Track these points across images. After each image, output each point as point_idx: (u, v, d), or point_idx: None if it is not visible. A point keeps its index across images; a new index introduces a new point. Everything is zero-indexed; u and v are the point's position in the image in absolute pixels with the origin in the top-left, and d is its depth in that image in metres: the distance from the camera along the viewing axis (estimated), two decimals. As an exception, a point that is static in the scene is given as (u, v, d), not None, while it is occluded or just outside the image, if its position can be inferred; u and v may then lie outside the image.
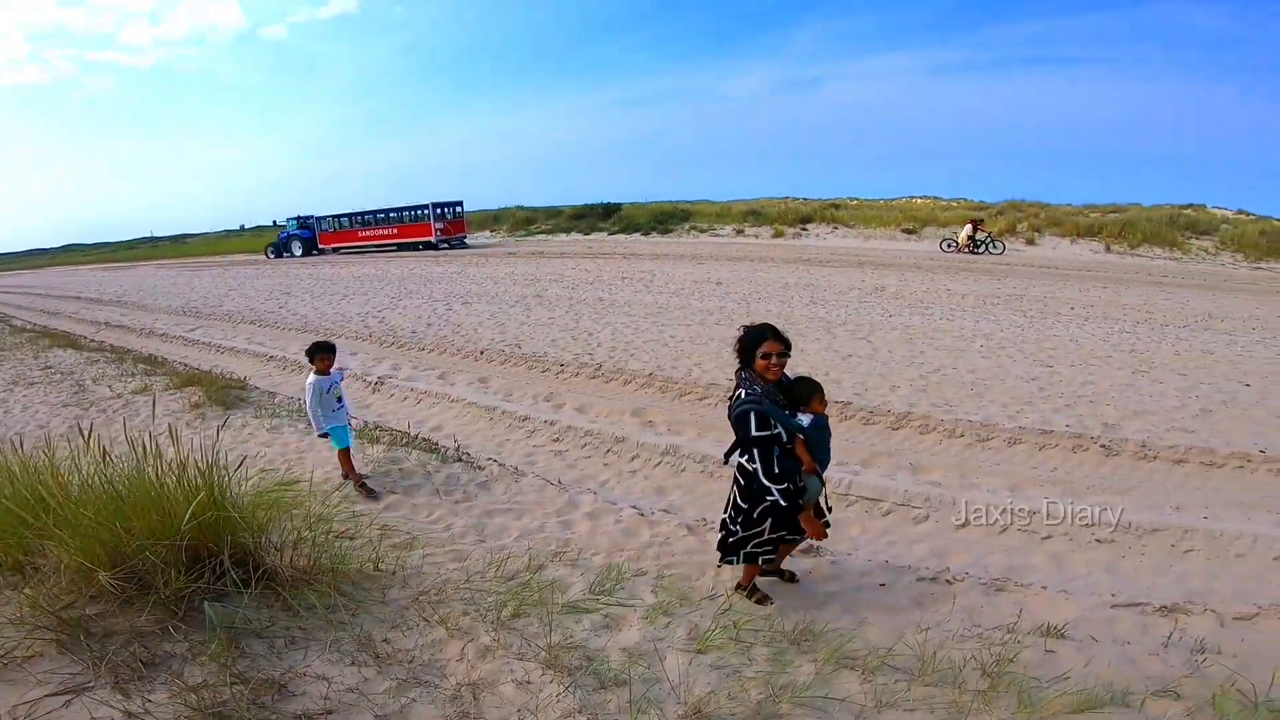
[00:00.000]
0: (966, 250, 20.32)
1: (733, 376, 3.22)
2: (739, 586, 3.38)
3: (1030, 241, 23.19)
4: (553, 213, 37.23)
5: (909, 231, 25.61)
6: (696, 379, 7.77)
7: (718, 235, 28.40)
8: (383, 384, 8.58)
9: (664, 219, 31.53)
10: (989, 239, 20.74)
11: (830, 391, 7.30)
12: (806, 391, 3.18)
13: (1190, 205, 26.03)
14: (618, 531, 4.29)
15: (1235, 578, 3.78)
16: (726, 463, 3.24)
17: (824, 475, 3.24)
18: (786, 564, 3.59)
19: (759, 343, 3.07)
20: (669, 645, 2.89)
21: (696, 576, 3.61)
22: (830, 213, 29.35)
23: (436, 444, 5.90)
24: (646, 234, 30.19)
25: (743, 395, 3.03)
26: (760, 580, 3.43)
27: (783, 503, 3.01)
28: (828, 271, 16.13)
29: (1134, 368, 7.67)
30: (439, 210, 29.73)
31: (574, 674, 2.67)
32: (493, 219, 38.59)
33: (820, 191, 39.63)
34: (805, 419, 3.10)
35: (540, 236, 33.71)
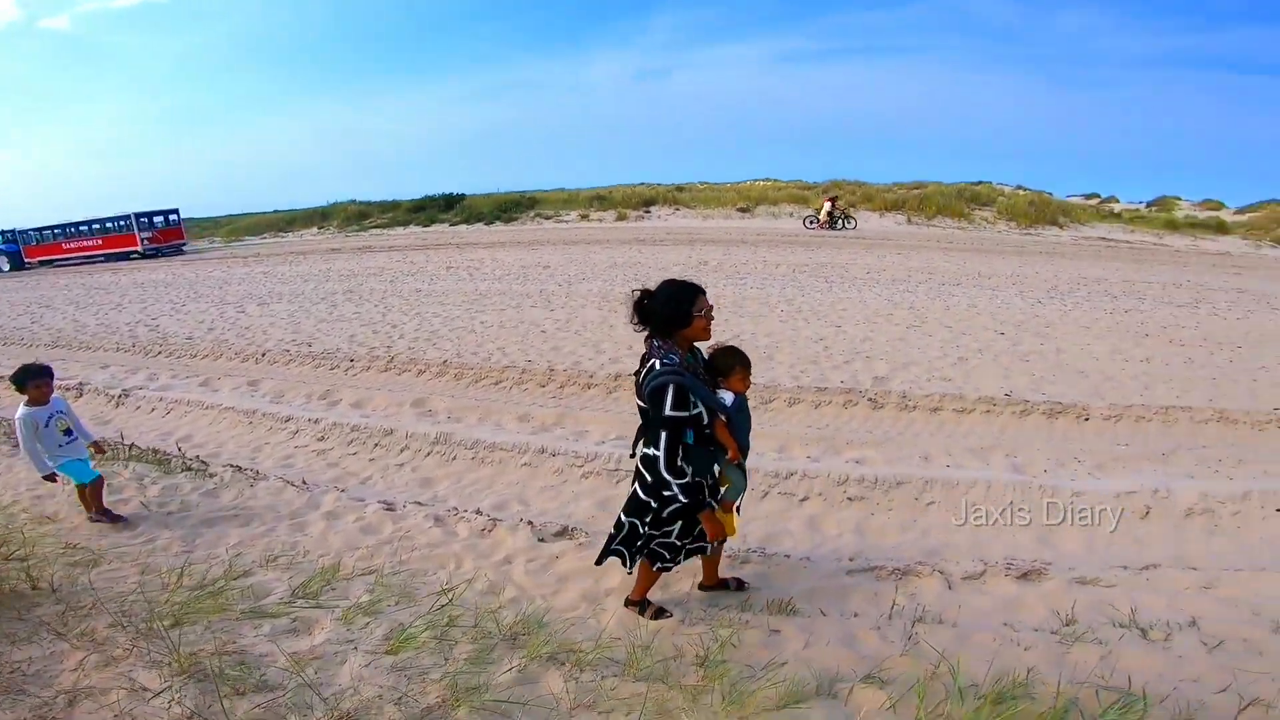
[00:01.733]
0: (825, 226, 21.52)
1: (647, 349, 2.57)
2: (630, 601, 2.91)
3: (846, 216, 25.04)
4: (389, 206, 34.76)
5: (744, 210, 26.79)
6: (495, 363, 7.37)
7: (562, 221, 27.97)
8: (128, 396, 7.30)
9: (508, 208, 30.56)
10: (843, 215, 22.16)
11: (634, 365, 7.25)
12: (730, 362, 2.65)
13: (979, 182, 29.54)
14: (356, 530, 3.93)
15: (970, 530, 3.89)
16: (634, 455, 2.67)
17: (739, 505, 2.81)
18: (726, 569, 3.23)
19: (693, 298, 2.49)
20: (357, 647, 2.59)
21: (433, 570, 3.37)
22: (673, 195, 30.00)
23: (164, 454, 5.14)
24: (490, 224, 29.08)
25: (658, 365, 2.44)
26: (701, 594, 3.07)
27: (682, 499, 2.51)
28: (659, 249, 16.29)
29: (909, 323, 8.30)
30: (144, 219, 27.83)
31: (208, 679, 2.28)
32: (320, 216, 35.30)
33: (672, 177, 40.49)
34: (727, 396, 2.63)
35: (375, 231, 31.32)
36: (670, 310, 2.48)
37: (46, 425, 3.75)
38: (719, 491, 2.74)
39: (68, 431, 3.82)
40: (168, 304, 13.85)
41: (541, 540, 3.76)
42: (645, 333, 2.57)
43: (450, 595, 2.95)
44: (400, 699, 2.27)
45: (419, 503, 4.39)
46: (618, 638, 2.71)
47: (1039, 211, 24.64)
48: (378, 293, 12.62)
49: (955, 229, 22.73)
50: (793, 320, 8.55)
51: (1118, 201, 32.06)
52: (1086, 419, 5.25)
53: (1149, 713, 2.06)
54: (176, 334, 10.33)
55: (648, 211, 28.18)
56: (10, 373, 4.01)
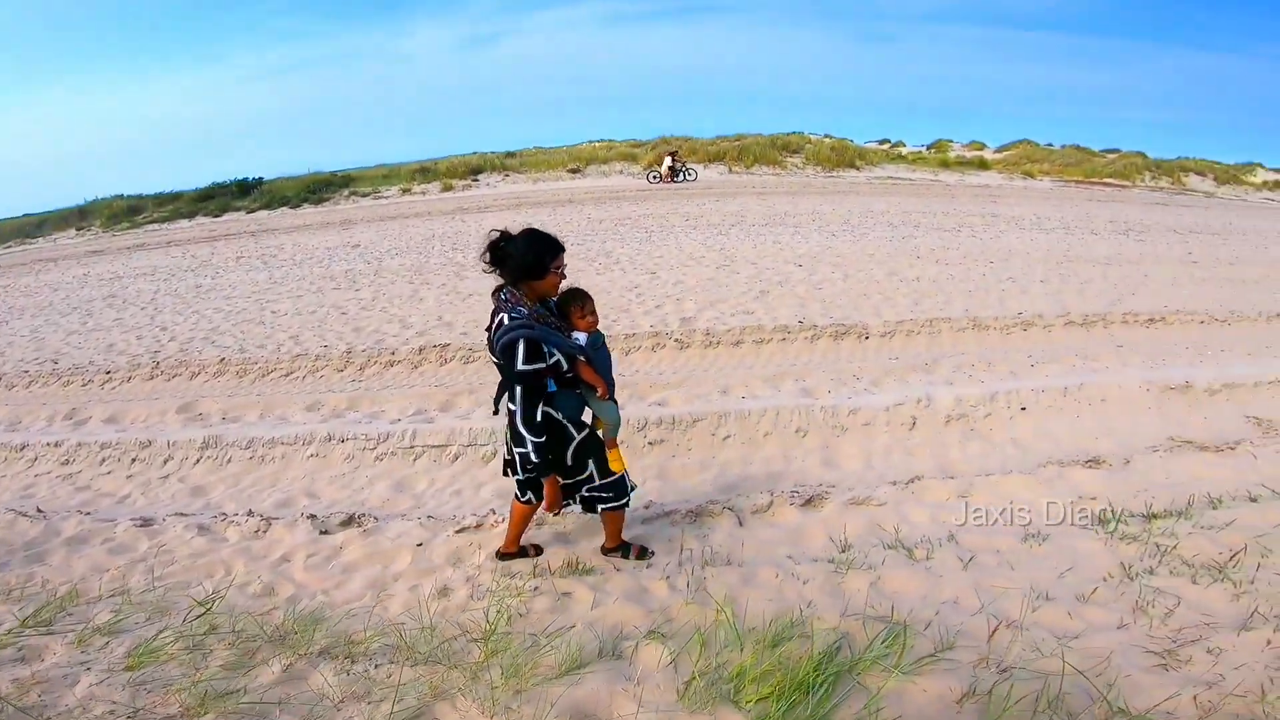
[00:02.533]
0: (669, 180, 21.75)
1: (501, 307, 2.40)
2: (606, 549, 2.96)
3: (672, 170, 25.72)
4: (169, 198, 29.97)
5: (574, 171, 26.49)
6: (285, 353, 6.55)
7: (382, 197, 25.81)
8: None
9: (317, 188, 27.60)
10: (684, 168, 22.61)
11: (444, 334, 6.79)
12: (572, 303, 2.57)
13: (793, 133, 31.45)
14: (104, 552, 3.45)
15: (763, 460, 4.02)
16: (496, 412, 2.58)
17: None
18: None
19: (555, 252, 2.41)
20: (90, 667, 2.36)
21: (197, 582, 3.06)
22: (502, 162, 28.92)
23: None
24: (295, 207, 26.07)
25: (506, 319, 2.34)
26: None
27: (533, 458, 2.44)
28: (484, 216, 15.55)
29: (718, 264, 8.62)
30: None
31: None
32: (79, 215, 29.63)
33: (506, 145, 38.72)
34: (581, 337, 2.58)
35: (150, 227, 26.86)
36: (529, 259, 2.38)
37: None
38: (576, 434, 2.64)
39: None
40: None
41: (324, 533, 3.46)
42: (496, 279, 2.47)
43: (211, 604, 2.68)
44: (135, 713, 2.07)
45: (182, 514, 3.85)
46: (401, 623, 2.55)
47: (839, 156, 27.00)
48: (145, 294, 10.80)
49: (771, 175, 24.19)
50: (609, 271, 8.54)
51: (905, 145, 35.98)
52: (866, 337, 5.76)
53: (911, 643, 2.17)
54: None
55: (475, 180, 26.91)
56: None
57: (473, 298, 7.87)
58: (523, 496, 2.79)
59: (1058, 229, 12.21)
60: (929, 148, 34.97)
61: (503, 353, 2.35)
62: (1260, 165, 31.06)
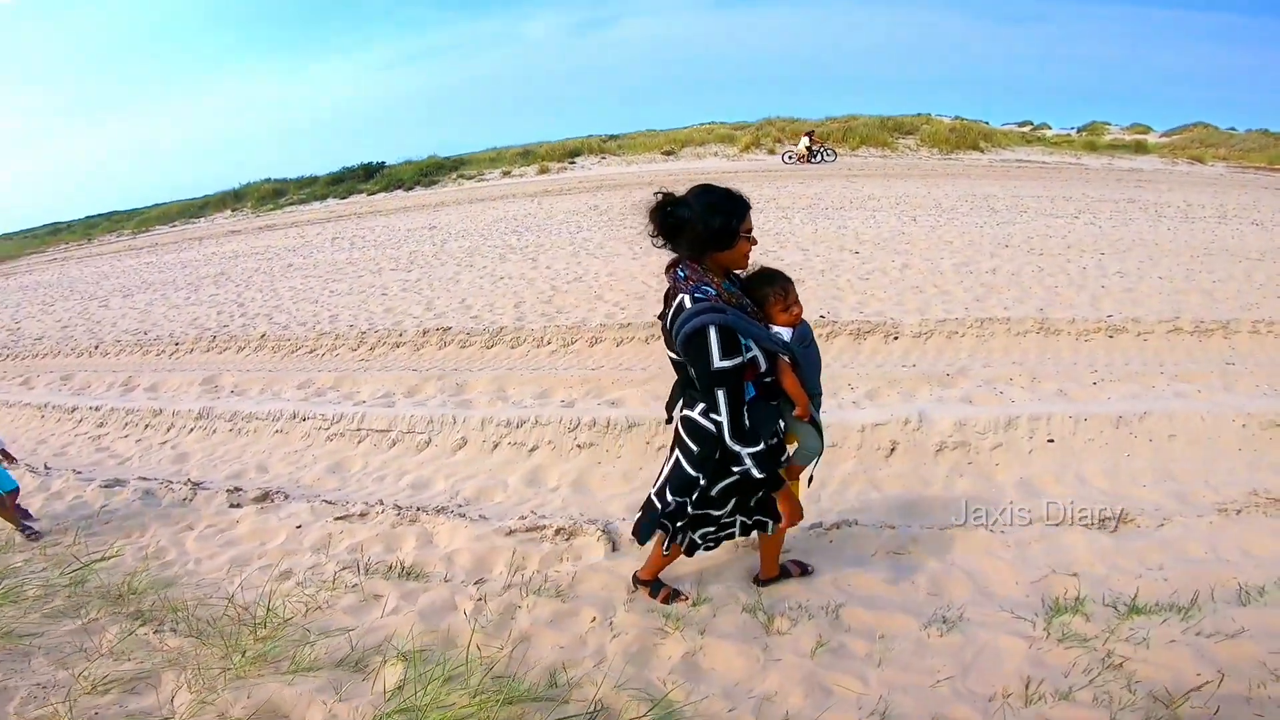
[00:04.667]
0: (804, 160, 21.01)
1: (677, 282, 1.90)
2: (639, 580, 2.44)
3: (771, 151, 24.62)
4: (307, 182, 33.13)
5: (668, 153, 26.18)
6: (318, 330, 6.84)
7: (484, 180, 26.90)
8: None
9: (430, 171, 29.36)
10: (823, 149, 21.60)
11: (456, 318, 6.74)
12: (766, 289, 1.99)
13: (919, 114, 28.93)
14: (64, 507, 3.76)
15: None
16: (670, 420, 2.15)
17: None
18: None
19: (743, 212, 1.85)
20: None
21: (114, 540, 3.22)
22: (601, 145, 29.21)
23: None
24: (409, 189, 27.86)
25: (688, 302, 1.82)
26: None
27: (756, 474, 1.89)
28: (559, 199, 15.61)
29: (764, 249, 7.89)
30: None
31: None
32: (234, 197, 33.52)
33: (615, 128, 38.93)
34: (784, 332, 2.00)
35: (290, 208, 29.82)
36: (714, 224, 1.82)
37: None
38: (780, 454, 2.09)
39: None
40: (39, 305, 12.94)
41: (235, 505, 3.52)
42: (668, 254, 1.95)
43: (94, 561, 2.84)
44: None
45: (145, 479, 4.07)
46: (222, 597, 2.52)
47: (960, 137, 24.46)
48: (247, 272, 11.86)
49: (878, 158, 22.39)
50: (643, 257, 8.09)
51: (1049, 129, 32.11)
52: (896, 337, 4.94)
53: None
54: (28, 334, 9.66)
55: (572, 163, 27.33)
56: None
57: (504, 280, 7.78)
58: (746, 534, 2.27)
59: (1209, 218, 10.13)
60: (1080, 130, 30.99)
61: (687, 345, 1.80)
62: None
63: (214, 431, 4.75)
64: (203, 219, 31.45)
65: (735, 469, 1.91)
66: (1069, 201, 11.48)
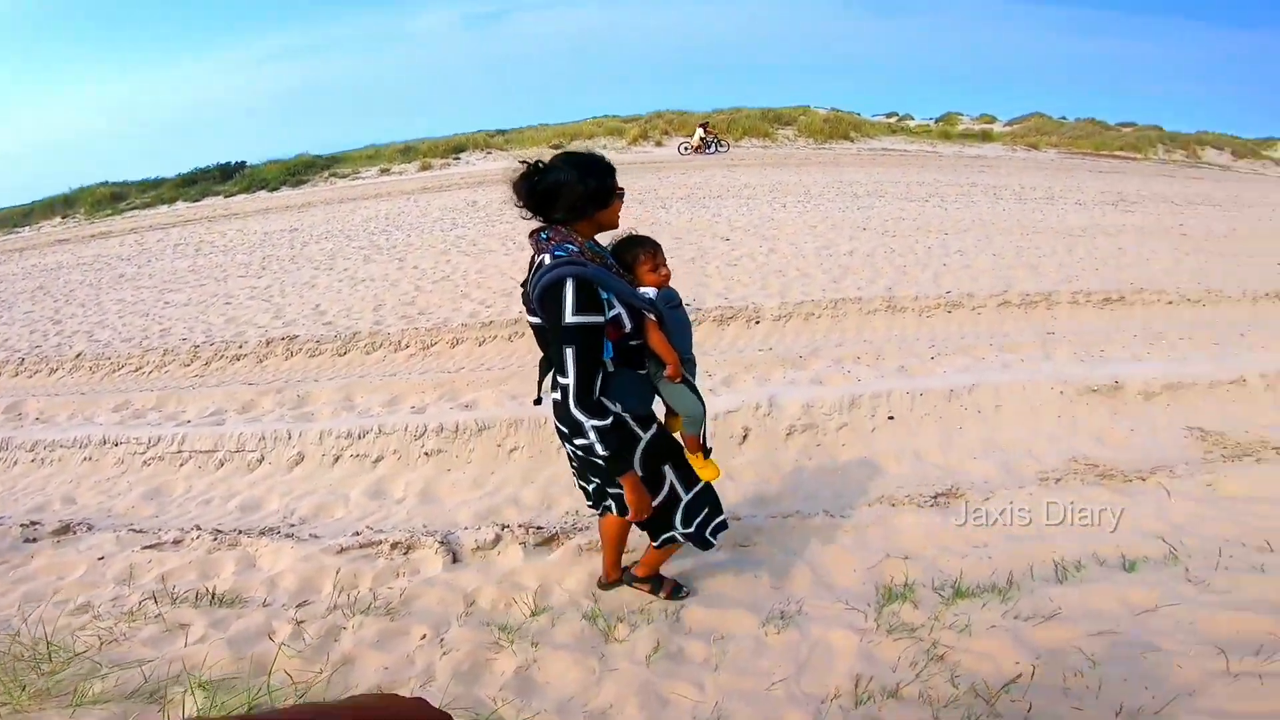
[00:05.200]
0: (700, 151, 21.33)
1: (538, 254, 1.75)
2: (635, 578, 2.34)
3: (659, 143, 24.88)
4: (152, 184, 29.84)
5: (556, 147, 25.78)
6: (146, 346, 6.05)
7: (360, 178, 25.30)
8: None
9: (299, 171, 27.25)
10: (715, 140, 21.96)
11: (307, 326, 6.19)
12: (631, 252, 1.89)
13: (798, 106, 30.13)
14: None
15: (547, 479, 3.31)
16: (539, 401, 1.99)
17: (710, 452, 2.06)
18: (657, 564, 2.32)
19: (611, 168, 1.76)
20: None
21: None
22: (488, 140, 28.37)
23: None
24: (274, 190, 25.69)
25: (548, 260, 1.67)
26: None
27: (600, 450, 1.73)
28: (436, 196, 14.90)
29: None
30: None
31: None
32: (65, 203, 29.60)
33: (506, 124, 37.77)
34: (650, 292, 1.86)
35: (133, 213, 26.68)
36: (591, 183, 1.71)
37: None
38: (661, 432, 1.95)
39: None
40: None
41: (30, 540, 3.10)
42: (532, 222, 1.78)
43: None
44: None
45: None
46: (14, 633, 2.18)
47: (833, 128, 25.90)
48: (70, 285, 10.41)
49: (759, 148, 23.18)
50: (515, 253, 7.84)
51: (913, 119, 34.77)
52: (757, 321, 5.03)
53: None
54: None
55: (456, 158, 26.34)
56: None
57: (366, 283, 7.25)
58: (597, 507, 2.14)
59: (1039, 199, 11.23)
60: (938, 121, 33.80)
61: (542, 299, 1.67)
62: (1280, 139, 29.33)
63: (15, 464, 4.06)
64: (26, 228, 27.51)
65: (577, 442, 1.75)
66: (921, 186, 12.35)
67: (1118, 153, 26.05)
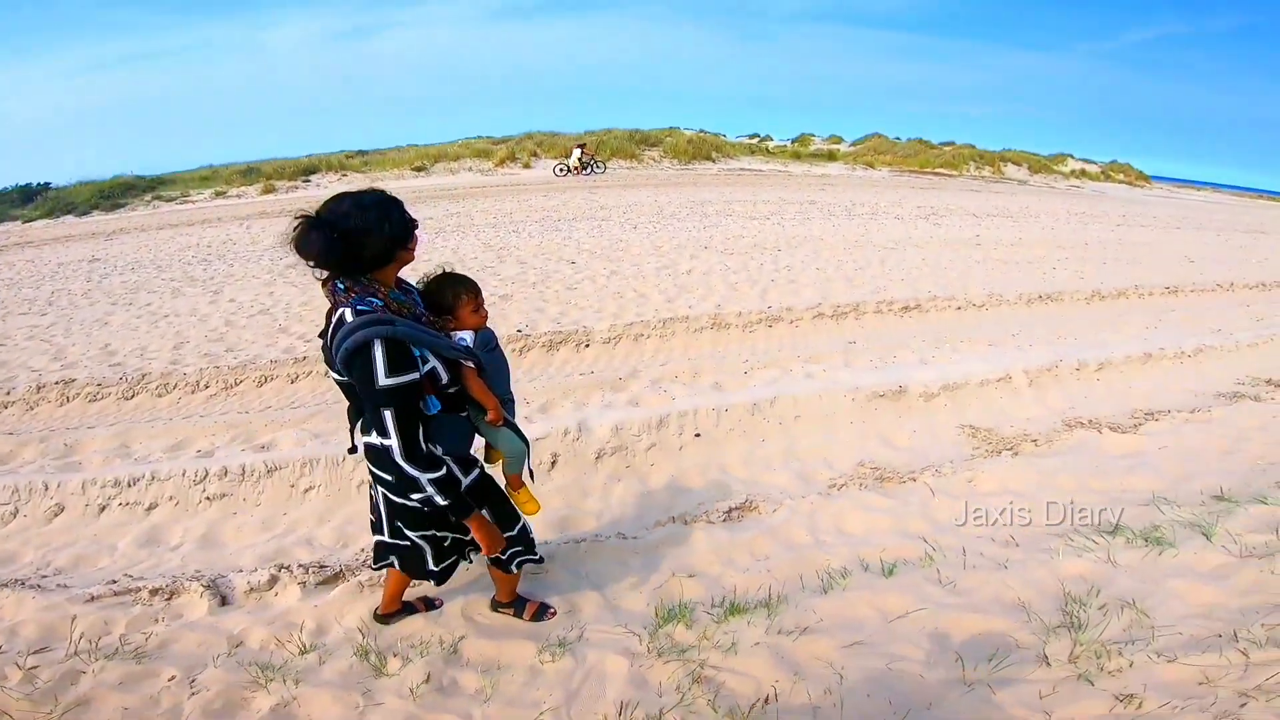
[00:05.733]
0: (578, 172, 21.18)
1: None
2: (497, 604, 2.35)
3: (527, 165, 24.74)
4: (-69, 206, 25.27)
5: (419, 169, 24.95)
6: None
7: (189, 202, 22.92)
8: None
9: (116, 193, 24.22)
10: (593, 160, 22.04)
11: (91, 368, 5.44)
12: (453, 291, 1.88)
13: (670, 128, 30.96)
14: None
15: (348, 516, 3.16)
16: (353, 450, 1.84)
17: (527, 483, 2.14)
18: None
19: (400, 205, 1.67)
20: None
21: None
22: (342, 162, 26.71)
23: None
24: (83, 215, 22.65)
25: (349, 315, 1.60)
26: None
27: (439, 500, 1.71)
28: (279, 220, 13.78)
29: (485, 264, 7.73)
30: None
31: None
32: None
33: (368, 144, 35.71)
34: (464, 336, 1.88)
35: (-105, 241, 22.43)
36: (394, 224, 1.64)
37: None
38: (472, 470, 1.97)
39: None
40: None
41: None
42: (323, 276, 1.67)
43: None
44: None
45: None
46: None
47: (696, 149, 27.09)
48: None
49: (625, 169, 23.68)
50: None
51: (772, 140, 37.15)
52: (587, 345, 5.07)
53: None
54: None
55: (306, 181, 24.56)
56: None
57: (170, 319, 6.50)
58: (393, 563, 2.09)
59: (865, 215, 12.36)
60: (793, 142, 36.36)
61: (349, 363, 1.60)
62: (1071, 156, 34.64)
63: None
64: None
65: (414, 497, 1.73)
66: (765, 204, 13.20)
67: (939, 170, 29.39)
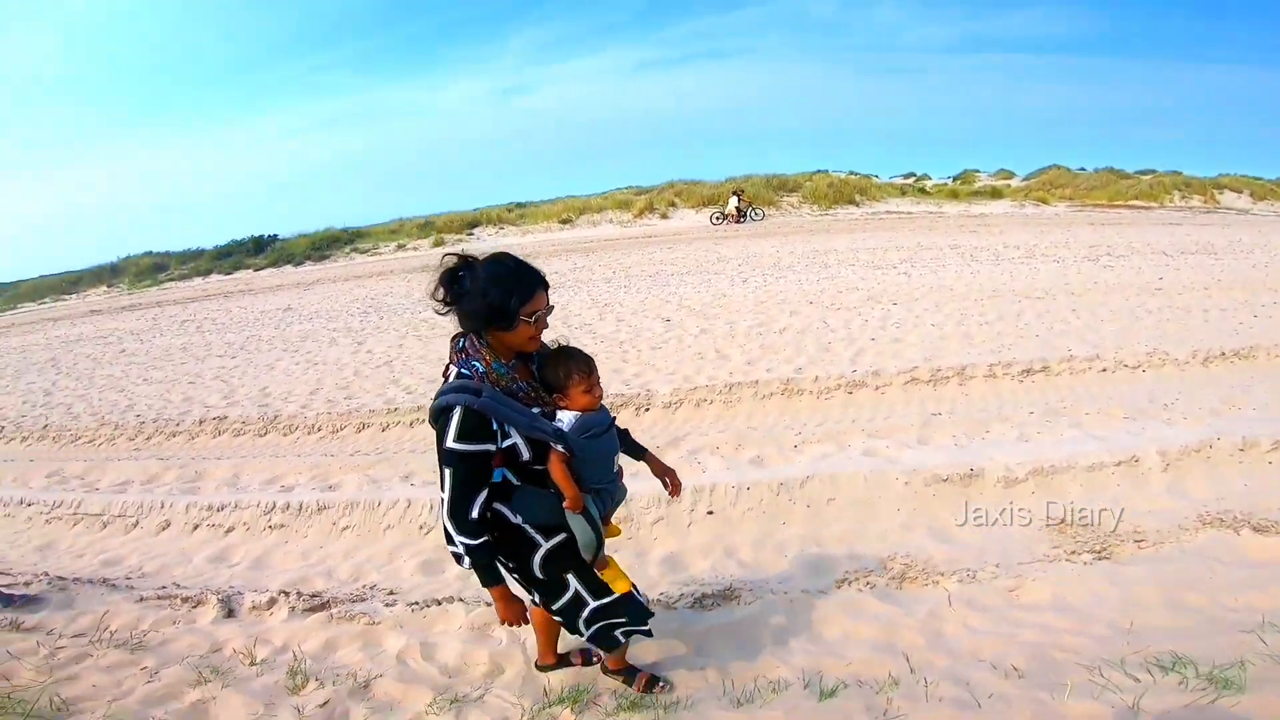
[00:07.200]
0: (734, 220, 21.43)
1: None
2: (607, 671, 2.28)
3: (664, 216, 25.57)
4: (192, 255, 31.84)
5: (565, 222, 26.73)
6: (105, 419, 6.43)
7: (378, 254, 26.64)
8: None
9: (324, 245, 28.82)
10: (750, 208, 22.16)
11: (238, 409, 6.47)
12: (563, 372, 1.86)
13: (818, 171, 30.41)
14: None
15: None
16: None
17: (605, 513, 1.97)
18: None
19: (530, 287, 1.73)
20: None
21: None
22: (500, 215, 29.59)
23: None
24: (299, 264, 27.17)
25: (452, 375, 1.77)
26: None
27: (465, 563, 1.78)
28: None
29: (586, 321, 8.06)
30: None
31: None
32: (111, 272, 31.71)
33: (532, 196, 39.58)
34: (569, 416, 1.85)
35: (171, 284, 28.48)
36: (492, 298, 1.69)
37: None
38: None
39: None
40: None
41: None
42: (454, 327, 1.81)
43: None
44: None
45: None
46: None
47: (838, 193, 26.21)
48: (78, 358, 11.13)
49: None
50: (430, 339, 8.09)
51: (930, 179, 34.87)
52: (647, 409, 5.05)
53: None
54: None
55: (470, 234, 27.45)
56: None
57: (318, 366, 7.57)
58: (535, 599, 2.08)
59: (1016, 259, 11.08)
60: (954, 179, 33.84)
61: (433, 421, 1.74)
62: (1313, 176, 28.49)
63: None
64: (74, 295, 29.50)
65: (450, 548, 1.79)
66: (899, 251, 12.35)
67: (1133, 202, 25.62)
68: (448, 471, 1.70)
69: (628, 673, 2.23)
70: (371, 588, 3.06)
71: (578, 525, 1.88)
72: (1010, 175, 34.57)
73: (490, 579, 1.83)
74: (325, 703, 2.20)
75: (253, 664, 2.45)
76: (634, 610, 2.04)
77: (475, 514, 1.72)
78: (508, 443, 1.74)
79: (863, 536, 3.24)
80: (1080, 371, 5.51)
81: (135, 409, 6.84)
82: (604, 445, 1.90)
